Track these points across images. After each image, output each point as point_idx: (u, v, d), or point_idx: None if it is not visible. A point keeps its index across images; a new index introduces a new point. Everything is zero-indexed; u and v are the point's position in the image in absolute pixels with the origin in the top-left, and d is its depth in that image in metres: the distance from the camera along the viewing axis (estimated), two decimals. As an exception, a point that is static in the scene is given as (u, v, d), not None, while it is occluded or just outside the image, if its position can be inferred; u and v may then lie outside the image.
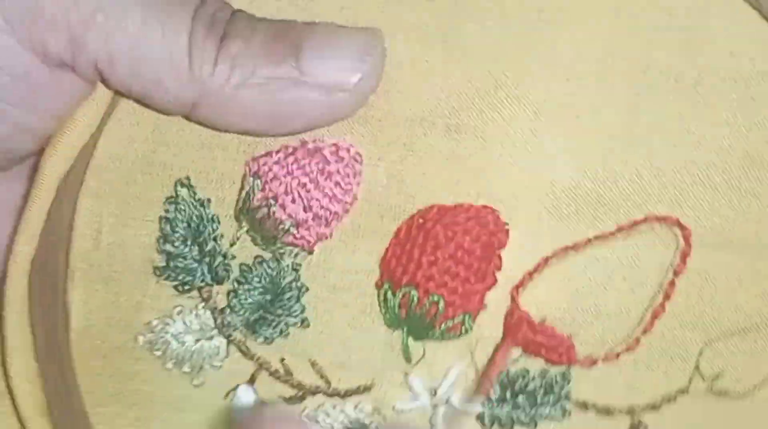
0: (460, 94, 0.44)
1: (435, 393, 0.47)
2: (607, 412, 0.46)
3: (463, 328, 0.45)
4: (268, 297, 0.46)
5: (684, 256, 0.44)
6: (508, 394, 0.46)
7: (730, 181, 0.44)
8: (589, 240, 0.44)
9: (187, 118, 0.43)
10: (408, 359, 0.46)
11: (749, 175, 0.44)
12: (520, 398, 0.46)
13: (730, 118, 0.44)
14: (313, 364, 0.47)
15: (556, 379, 0.46)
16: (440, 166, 0.44)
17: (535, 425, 0.47)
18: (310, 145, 0.44)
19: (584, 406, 0.46)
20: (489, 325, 0.45)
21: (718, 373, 0.46)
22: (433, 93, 0.44)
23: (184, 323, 0.47)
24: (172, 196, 0.46)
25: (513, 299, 0.45)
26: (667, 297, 0.45)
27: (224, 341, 0.47)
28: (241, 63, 0.40)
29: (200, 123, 0.43)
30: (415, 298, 0.44)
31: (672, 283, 0.45)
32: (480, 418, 0.47)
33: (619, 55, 0.43)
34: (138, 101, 0.43)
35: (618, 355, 0.46)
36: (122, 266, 0.47)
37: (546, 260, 0.45)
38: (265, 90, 0.40)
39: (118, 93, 0.43)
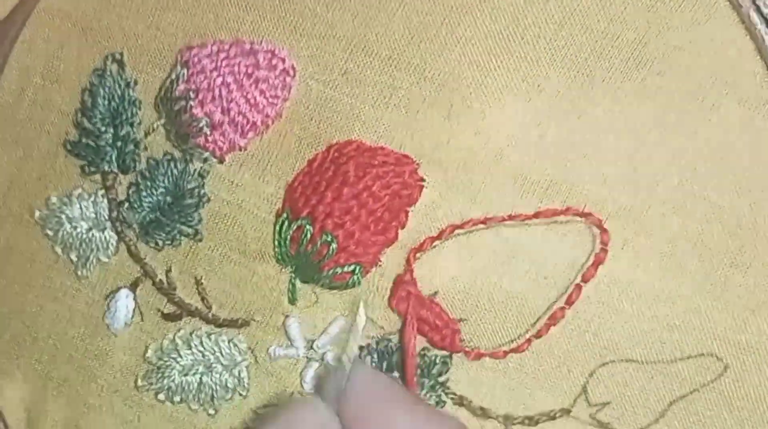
0: (411, 29, 0.41)
1: (311, 345, 0.42)
2: (482, 413, 0.41)
3: (352, 279, 0.41)
4: (169, 199, 0.44)
5: (597, 262, 0.39)
6: (384, 366, 0.41)
7: (672, 195, 0.39)
8: (504, 218, 0.40)
9: None
10: (292, 301, 0.42)
11: (697, 185, 0.39)
12: (396, 374, 0.41)
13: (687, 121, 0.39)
14: (198, 283, 0.43)
15: (435, 362, 0.41)
16: (373, 100, 0.41)
17: (406, 409, 0.41)
18: (246, 45, 0.42)
19: (460, 400, 0.41)
20: (379, 285, 0.41)
21: (606, 402, 0.40)
22: (385, 21, 0.41)
23: (80, 208, 0.45)
24: (100, 69, 0.44)
25: (408, 263, 0.40)
26: (569, 302, 0.39)
27: (115, 236, 0.44)
28: None
29: None
30: (309, 234, 0.41)
31: (578, 288, 0.39)
32: None
33: (579, 33, 0.40)
34: None
35: (505, 354, 0.40)
36: (37, 131, 0.45)
37: (453, 228, 0.40)
38: None
39: None
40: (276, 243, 0.42)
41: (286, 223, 0.42)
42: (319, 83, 0.42)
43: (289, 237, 0.42)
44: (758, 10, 0.38)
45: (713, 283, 0.39)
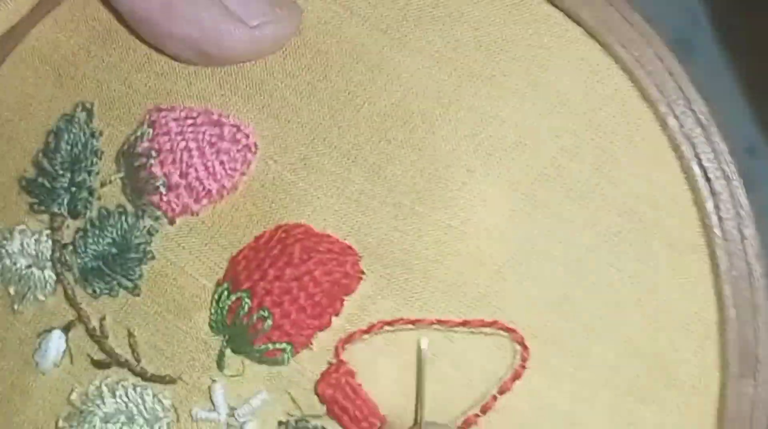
0: (372, 128, 0.43)
1: (233, 413, 0.43)
2: None
3: (282, 357, 0.42)
4: (114, 250, 0.44)
5: (514, 377, 0.41)
6: None
7: (596, 324, 0.41)
8: (433, 322, 0.41)
9: None
10: (220, 368, 0.43)
11: (620, 317, 0.41)
12: None
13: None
14: (130, 335, 0.44)
15: None
16: (327, 189, 0.42)
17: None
18: (215, 116, 0.43)
19: None
20: (308, 367, 0.42)
21: None
22: (349, 116, 0.43)
23: (21, 244, 0.46)
24: (69, 115, 0.45)
25: (336, 352, 0.42)
26: (483, 410, 0.41)
27: (54, 277, 0.45)
28: None
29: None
30: (246, 307, 0.42)
31: (493, 399, 0.41)
32: None
33: (530, 158, 0.42)
34: None
35: None
36: (1, 164, 0.46)
37: (382, 324, 0.42)
38: None
39: None
40: (213, 311, 0.43)
41: (226, 292, 0.43)
42: (278, 164, 0.43)
43: (227, 307, 0.43)
44: (699, 162, 0.41)
45: (621, 416, 0.41)
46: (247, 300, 0.42)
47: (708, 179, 0.41)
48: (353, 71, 0.43)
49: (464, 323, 0.42)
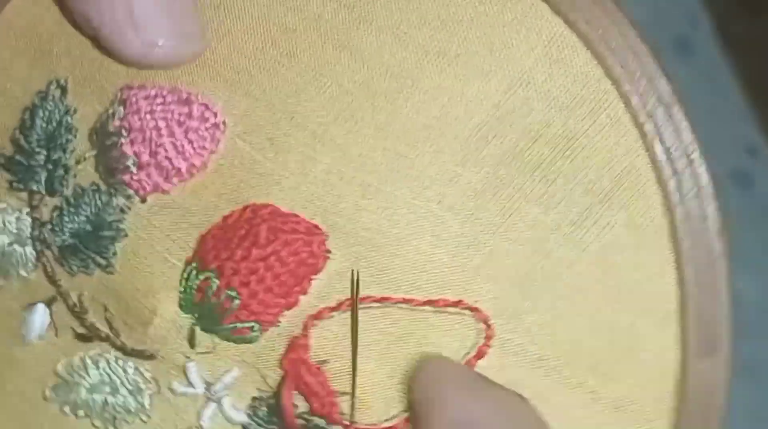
0: (338, 108, 0.43)
1: (209, 388, 0.44)
2: None
3: (250, 335, 0.43)
4: (89, 228, 0.45)
5: (479, 355, 0.41)
6: (276, 419, 0.43)
7: (555, 305, 0.41)
8: (399, 300, 0.42)
9: None
10: (192, 345, 0.44)
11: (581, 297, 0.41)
12: None
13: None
14: (106, 310, 0.45)
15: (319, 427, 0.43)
16: (293, 170, 0.42)
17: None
18: (183, 94, 0.43)
19: None
20: (275, 345, 0.43)
21: None
22: (314, 95, 0.43)
23: (3, 223, 0.46)
24: (43, 92, 0.45)
25: (305, 328, 0.42)
26: None
27: (35, 254, 0.46)
28: None
29: None
30: (214, 287, 0.42)
31: None
32: None
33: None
34: None
35: None
36: None
37: (350, 303, 0.42)
38: None
39: None
40: (182, 289, 0.44)
41: (194, 272, 0.44)
42: (246, 143, 0.43)
43: (195, 286, 0.44)
44: (661, 140, 0.40)
45: (583, 391, 0.42)
46: (215, 280, 0.43)
47: (670, 158, 0.41)
48: (319, 49, 0.43)
49: (429, 302, 0.42)
